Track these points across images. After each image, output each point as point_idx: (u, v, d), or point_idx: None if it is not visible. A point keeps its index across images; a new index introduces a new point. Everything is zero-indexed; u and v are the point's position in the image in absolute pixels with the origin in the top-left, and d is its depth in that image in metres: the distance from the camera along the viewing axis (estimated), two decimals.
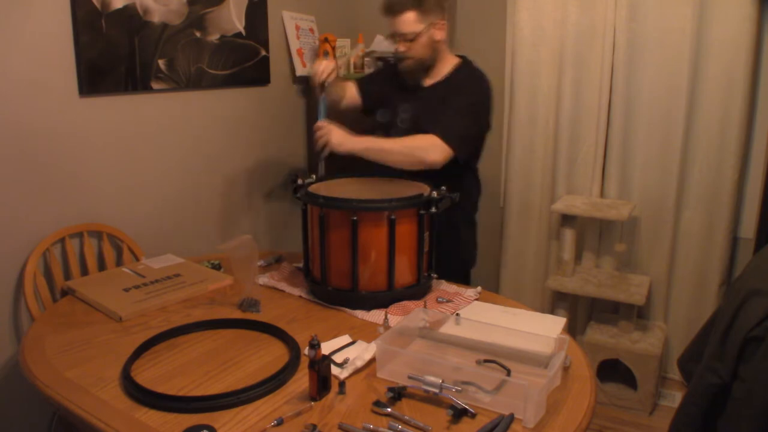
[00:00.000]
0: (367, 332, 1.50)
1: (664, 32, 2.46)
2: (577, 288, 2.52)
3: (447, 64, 2.01)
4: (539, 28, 2.68)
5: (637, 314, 2.57)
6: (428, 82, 2.02)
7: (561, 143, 2.74)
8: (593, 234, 2.76)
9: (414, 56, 1.94)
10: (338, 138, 1.85)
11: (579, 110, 2.69)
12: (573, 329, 2.78)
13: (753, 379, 1.26)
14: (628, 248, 2.69)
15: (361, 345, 1.42)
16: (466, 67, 2.03)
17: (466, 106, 1.92)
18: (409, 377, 1.22)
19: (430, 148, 1.84)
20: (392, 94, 2.09)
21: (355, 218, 1.56)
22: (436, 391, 1.17)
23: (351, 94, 2.14)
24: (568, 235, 2.58)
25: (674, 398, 2.57)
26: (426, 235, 1.66)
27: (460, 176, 2.02)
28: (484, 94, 1.98)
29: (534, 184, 2.83)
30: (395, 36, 1.94)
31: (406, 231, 1.62)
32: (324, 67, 1.92)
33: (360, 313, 1.61)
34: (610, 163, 2.67)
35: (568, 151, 2.74)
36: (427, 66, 1.99)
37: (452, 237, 2.08)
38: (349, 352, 1.38)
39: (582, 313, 2.81)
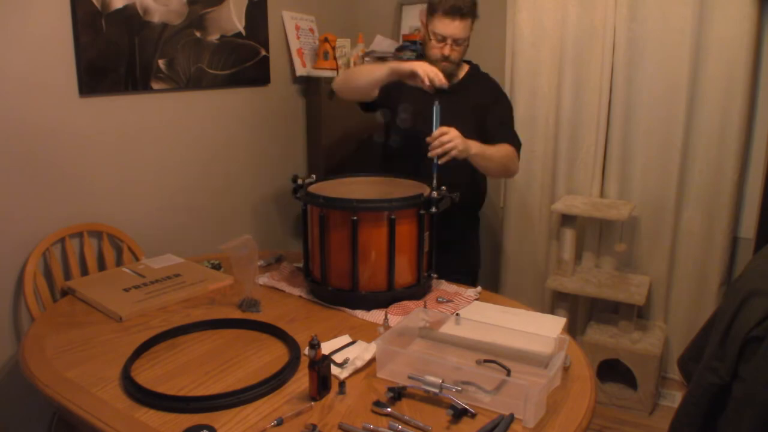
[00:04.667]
0: (367, 332, 1.50)
1: (664, 32, 2.46)
2: (577, 288, 2.52)
3: (462, 66, 2.12)
4: (539, 28, 2.68)
5: (637, 314, 2.56)
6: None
7: (561, 143, 2.74)
8: (593, 234, 2.76)
9: (456, 60, 2.00)
10: (464, 143, 1.73)
11: (579, 110, 2.69)
12: (573, 329, 2.78)
13: (753, 378, 1.26)
14: (628, 248, 2.69)
15: (361, 345, 1.42)
16: (480, 72, 2.15)
17: (511, 116, 2.08)
18: (409, 377, 1.22)
19: (515, 160, 1.97)
20: (410, 92, 2.01)
21: (355, 218, 1.56)
22: (436, 391, 1.18)
23: None
24: (568, 235, 2.58)
25: (674, 398, 2.57)
26: (426, 235, 1.66)
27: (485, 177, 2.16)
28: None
29: (534, 184, 2.83)
30: (447, 39, 1.94)
31: (406, 231, 1.62)
32: (432, 71, 1.78)
33: (360, 313, 1.61)
34: (610, 163, 2.67)
35: (568, 151, 2.74)
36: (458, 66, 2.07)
37: (468, 238, 2.13)
38: (349, 352, 1.38)
39: (582, 313, 2.81)
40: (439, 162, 1.69)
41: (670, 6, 2.43)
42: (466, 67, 2.12)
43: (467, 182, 1.94)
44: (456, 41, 1.94)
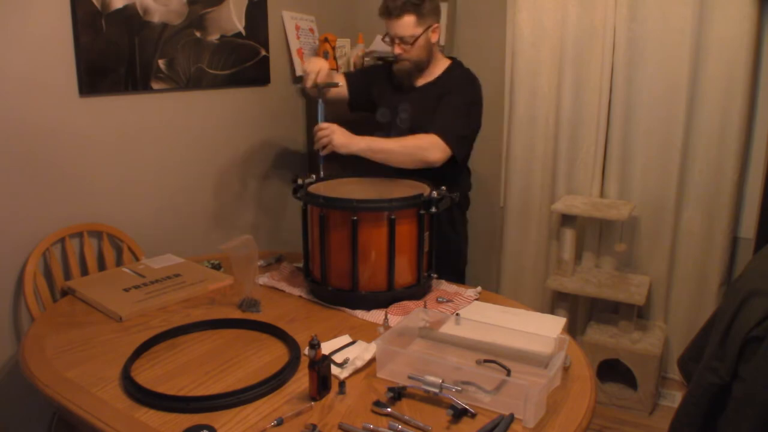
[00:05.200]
0: (367, 332, 1.50)
1: (664, 32, 2.46)
2: (577, 288, 2.52)
3: (439, 66, 2.06)
4: (539, 28, 2.67)
5: (637, 314, 2.56)
6: (420, 82, 2.07)
7: (561, 143, 2.74)
8: (593, 234, 2.76)
9: (411, 58, 1.99)
10: (341, 139, 1.84)
11: (579, 110, 2.69)
12: (573, 329, 2.78)
13: (753, 378, 1.26)
14: (628, 248, 2.69)
15: (361, 345, 1.42)
16: (457, 68, 2.08)
17: (461, 106, 1.96)
18: (409, 377, 1.22)
19: (430, 148, 1.87)
20: (384, 93, 2.12)
21: (355, 218, 1.56)
22: (436, 391, 1.17)
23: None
24: (568, 235, 2.58)
25: (674, 398, 2.57)
26: (426, 235, 1.66)
27: (458, 174, 2.08)
28: (477, 94, 2.03)
29: (534, 184, 2.83)
30: (393, 38, 1.97)
31: (406, 231, 1.62)
32: (316, 67, 1.95)
33: (360, 313, 1.61)
34: (610, 163, 2.67)
35: (568, 151, 2.74)
36: (422, 67, 2.04)
37: (450, 234, 2.11)
38: (349, 352, 1.38)
39: (582, 313, 2.81)
40: (321, 154, 1.88)
41: (670, 6, 2.43)
42: (445, 64, 2.07)
43: (447, 183, 1.87)
44: (401, 39, 1.95)
